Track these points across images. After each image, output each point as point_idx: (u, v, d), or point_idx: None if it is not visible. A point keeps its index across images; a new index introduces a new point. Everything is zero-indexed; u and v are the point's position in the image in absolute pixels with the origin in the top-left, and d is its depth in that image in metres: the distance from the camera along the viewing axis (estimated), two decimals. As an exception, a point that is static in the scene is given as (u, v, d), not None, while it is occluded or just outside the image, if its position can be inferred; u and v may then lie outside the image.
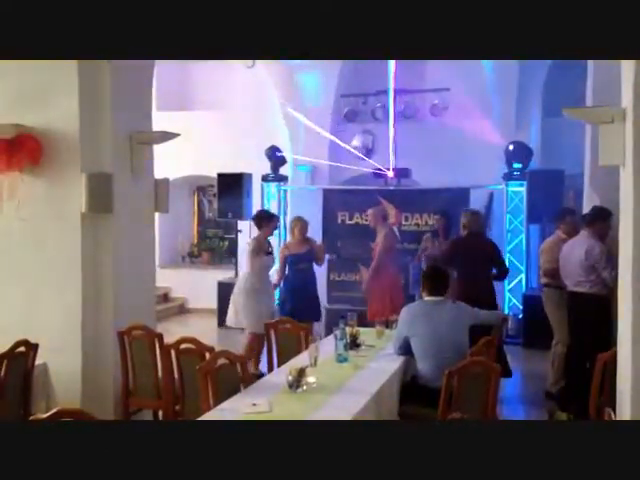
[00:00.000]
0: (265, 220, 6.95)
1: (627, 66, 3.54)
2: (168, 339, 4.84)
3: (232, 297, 6.90)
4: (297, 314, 6.31)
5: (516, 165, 9.03)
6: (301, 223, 7.21)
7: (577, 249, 5.68)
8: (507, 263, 8.92)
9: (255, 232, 7.08)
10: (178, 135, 5.67)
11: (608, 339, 4.86)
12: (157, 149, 5.78)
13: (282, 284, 7.42)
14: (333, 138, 10.08)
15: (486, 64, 9.64)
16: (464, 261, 6.46)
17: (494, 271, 6.66)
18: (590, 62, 7.06)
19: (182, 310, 11.46)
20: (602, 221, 5.57)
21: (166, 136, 5.61)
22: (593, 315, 5.45)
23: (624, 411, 3.59)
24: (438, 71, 9.90)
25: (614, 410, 3.66)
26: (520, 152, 9.02)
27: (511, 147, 9.07)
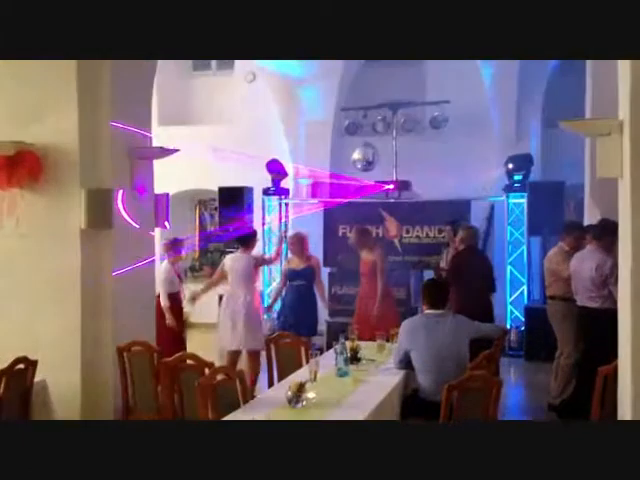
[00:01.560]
0: (253, 238, 6.84)
1: (624, 78, 3.55)
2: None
3: (243, 318, 6.42)
4: (290, 329, 6.28)
5: (517, 177, 9.03)
6: (298, 239, 7.21)
7: (587, 264, 5.63)
8: (509, 276, 9.04)
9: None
10: (177, 150, 5.69)
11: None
12: (158, 163, 5.80)
13: (281, 299, 7.44)
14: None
15: (485, 76, 9.68)
16: (462, 275, 6.50)
17: None
18: (589, 74, 7.09)
19: (184, 324, 11.42)
20: (611, 235, 5.50)
21: (165, 151, 5.64)
22: (606, 331, 5.38)
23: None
24: (437, 84, 9.93)
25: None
26: (521, 163, 9.03)
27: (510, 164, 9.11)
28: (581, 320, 5.78)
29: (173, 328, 6.82)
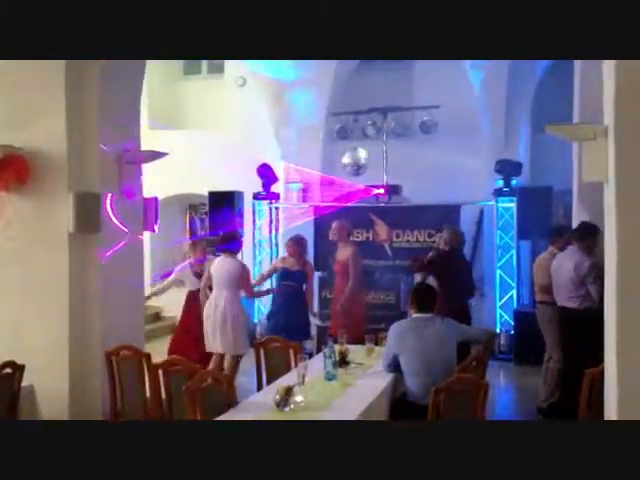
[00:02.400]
0: (235, 240, 6.64)
1: (608, 83, 3.57)
2: (158, 358, 4.81)
3: (237, 324, 6.31)
4: (282, 332, 6.28)
5: (506, 181, 9.06)
6: (298, 241, 7.22)
7: (566, 264, 5.72)
8: (498, 280, 9.07)
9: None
10: (166, 154, 5.68)
11: (601, 355, 4.85)
12: (148, 167, 5.78)
13: (271, 301, 7.44)
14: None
15: (474, 81, 9.71)
16: (443, 277, 6.58)
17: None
18: (577, 79, 7.12)
19: (174, 329, 11.35)
20: (591, 236, 5.59)
21: (154, 155, 5.63)
22: (585, 331, 5.44)
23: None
24: (427, 89, 9.97)
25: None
26: (510, 168, 9.07)
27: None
28: (561, 320, 5.84)
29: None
